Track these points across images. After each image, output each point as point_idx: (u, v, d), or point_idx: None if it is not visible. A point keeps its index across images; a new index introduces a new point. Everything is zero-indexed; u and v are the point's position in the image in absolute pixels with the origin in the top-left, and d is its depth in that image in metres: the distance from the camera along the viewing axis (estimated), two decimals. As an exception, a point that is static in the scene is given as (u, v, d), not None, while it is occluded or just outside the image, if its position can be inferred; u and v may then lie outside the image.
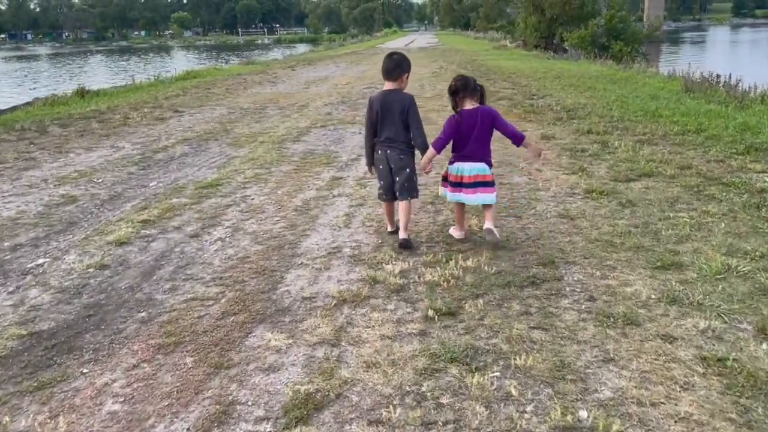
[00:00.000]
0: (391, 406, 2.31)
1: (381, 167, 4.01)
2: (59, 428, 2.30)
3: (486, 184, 3.84)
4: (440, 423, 2.22)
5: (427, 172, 4.04)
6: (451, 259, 3.67)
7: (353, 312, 3.09)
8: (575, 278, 3.39)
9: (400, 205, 4.01)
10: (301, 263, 3.79)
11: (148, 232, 4.47)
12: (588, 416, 2.22)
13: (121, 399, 2.45)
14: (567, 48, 28.66)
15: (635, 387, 2.38)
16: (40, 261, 3.97)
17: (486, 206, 3.90)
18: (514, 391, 2.38)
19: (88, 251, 4.11)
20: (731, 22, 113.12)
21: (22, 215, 4.98)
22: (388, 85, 3.96)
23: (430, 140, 3.93)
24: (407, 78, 3.99)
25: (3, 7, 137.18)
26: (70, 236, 4.46)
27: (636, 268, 3.49)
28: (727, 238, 3.87)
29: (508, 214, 4.53)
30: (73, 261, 3.95)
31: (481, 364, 2.57)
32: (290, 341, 2.83)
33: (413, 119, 3.88)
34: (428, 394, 2.39)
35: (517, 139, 3.92)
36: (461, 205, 4.02)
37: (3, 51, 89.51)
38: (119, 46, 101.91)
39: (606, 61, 20.15)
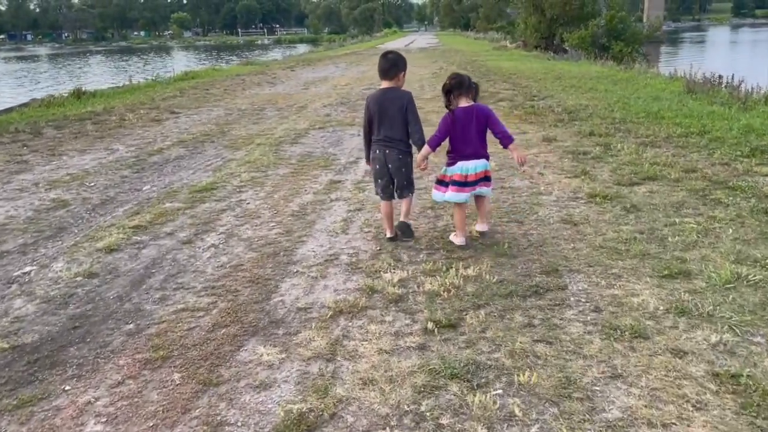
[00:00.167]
0: (388, 428, 2.19)
1: (378, 166, 3.98)
2: (38, 451, 2.18)
3: (488, 179, 3.93)
4: (440, 446, 2.10)
5: (423, 170, 4.01)
6: (451, 268, 3.55)
7: (350, 324, 2.97)
8: (580, 287, 3.27)
9: (403, 202, 4.09)
10: (297, 271, 3.67)
11: (139, 238, 4.35)
12: (596, 439, 2.10)
13: (104, 419, 2.33)
14: (567, 48, 28.56)
15: (645, 406, 2.26)
16: (27, 269, 3.85)
17: (481, 202, 4.01)
18: (517, 411, 2.26)
19: (76, 258, 3.99)
20: (731, 23, 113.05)
21: (11, 220, 4.85)
22: (385, 84, 3.96)
23: (427, 138, 3.90)
24: (404, 76, 3.99)
25: (3, 8, 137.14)
26: (59, 242, 4.33)
27: (642, 276, 3.37)
28: (735, 245, 3.75)
29: (510, 220, 4.41)
30: (61, 269, 3.83)
31: (483, 380, 2.45)
32: (283, 355, 2.71)
33: (412, 116, 3.88)
34: (427, 414, 2.27)
35: (507, 140, 3.88)
36: (462, 211, 3.96)
37: (2, 51, 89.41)
38: (119, 46, 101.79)
39: (607, 61, 20.03)
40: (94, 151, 7.56)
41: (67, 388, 2.55)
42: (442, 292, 3.24)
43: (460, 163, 3.83)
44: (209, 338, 2.90)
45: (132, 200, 5.35)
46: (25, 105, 13.01)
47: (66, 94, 13.69)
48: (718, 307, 2.97)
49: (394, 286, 3.33)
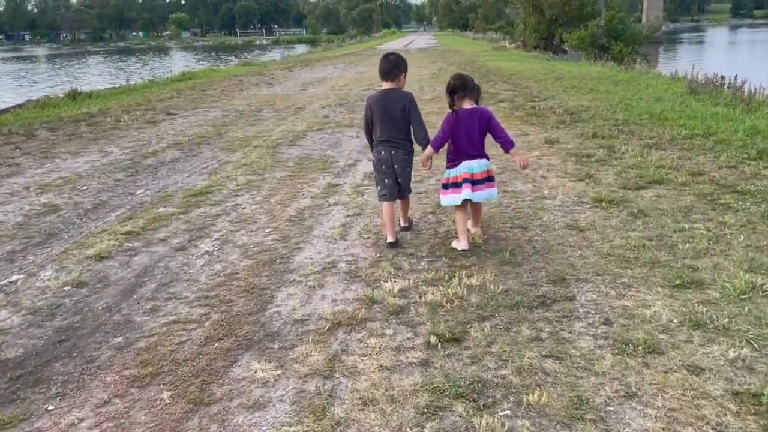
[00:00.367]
0: (389, 453, 2.06)
1: (384, 167, 3.95)
2: (16, 478, 2.04)
3: (491, 178, 3.92)
4: (445, 473, 1.97)
5: (428, 169, 4.06)
6: (454, 276, 3.41)
7: (348, 337, 2.84)
8: (588, 298, 3.14)
9: (401, 203, 4.16)
10: (294, 280, 3.53)
11: (131, 245, 4.21)
12: (612, 465, 1.97)
13: (87, 443, 2.20)
14: (567, 49, 28.44)
15: (662, 429, 2.13)
16: (14, 278, 3.71)
17: (478, 207, 4.05)
18: (527, 434, 2.13)
19: (65, 267, 3.85)
20: (729, 23, 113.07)
21: (0, 226, 4.71)
22: (386, 85, 3.97)
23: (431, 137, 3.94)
24: (404, 78, 4.00)
25: (1, 8, 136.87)
26: (48, 249, 4.19)
27: (653, 286, 3.24)
28: (748, 252, 3.62)
29: (514, 225, 4.28)
30: (49, 278, 3.69)
31: (490, 400, 2.32)
32: (279, 372, 2.58)
33: (415, 116, 3.91)
34: (431, 437, 2.13)
35: (509, 144, 3.88)
36: (463, 215, 3.90)
37: (0, 52, 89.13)
38: (117, 47, 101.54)
39: (607, 62, 19.91)
40: (87, 153, 7.42)
41: (51, 407, 2.41)
42: (444, 303, 3.10)
43: (465, 163, 3.82)
44: (201, 353, 2.76)
45: (125, 205, 5.21)
46: (19, 106, 12.85)
47: (62, 95, 13.54)
48: (734, 320, 2.84)
49: (394, 297, 3.19)
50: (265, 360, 2.67)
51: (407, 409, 2.27)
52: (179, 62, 47.58)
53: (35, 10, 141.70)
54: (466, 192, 3.80)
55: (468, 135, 3.80)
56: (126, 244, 4.22)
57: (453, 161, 3.87)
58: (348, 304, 3.17)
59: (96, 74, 37.37)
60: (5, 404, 2.45)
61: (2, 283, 3.64)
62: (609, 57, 22.44)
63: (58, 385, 2.57)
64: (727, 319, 2.84)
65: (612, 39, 25.87)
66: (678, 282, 3.25)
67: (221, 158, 6.97)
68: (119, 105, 11.84)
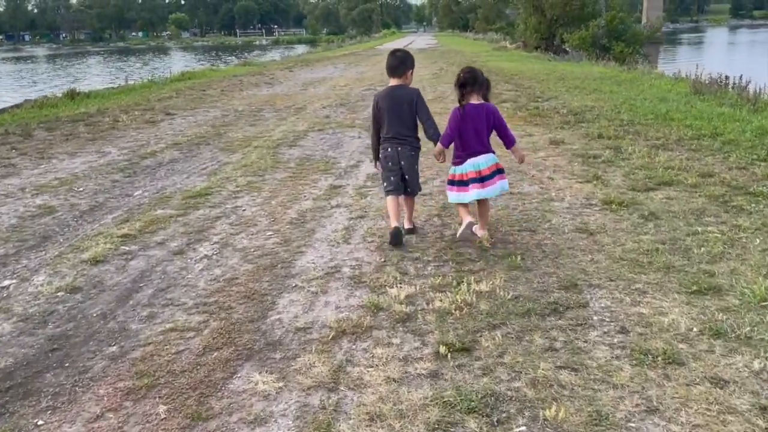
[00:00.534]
0: (399, 474, 1.94)
1: (390, 164, 3.98)
2: (1, 500, 1.92)
3: (502, 171, 3.89)
4: (459, 496, 1.84)
5: (442, 162, 4.06)
6: (462, 282, 3.29)
7: (353, 347, 2.71)
8: (602, 305, 3.02)
9: (406, 200, 4.11)
10: (296, 286, 3.41)
11: (127, 248, 4.08)
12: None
13: (78, 462, 2.07)
14: (568, 49, 28.34)
15: (688, 447, 2.01)
16: (6, 283, 3.59)
17: (484, 205, 3.95)
18: (544, 452, 2.01)
19: (59, 271, 3.73)
20: (729, 24, 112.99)
21: (-7, 228, 4.59)
22: (393, 82, 4.00)
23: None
24: (411, 74, 4.05)
25: (1, 9, 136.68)
26: (43, 253, 4.07)
27: (669, 292, 3.12)
28: (765, 257, 3.50)
29: (522, 228, 4.16)
30: (42, 283, 3.57)
31: (504, 415, 2.19)
32: (281, 384, 2.45)
33: (422, 111, 3.93)
34: (443, 456, 2.01)
35: (510, 142, 3.96)
36: (466, 208, 3.90)
37: (0, 52, 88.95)
38: (117, 47, 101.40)
39: (608, 62, 19.80)
40: (85, 154, 7.29)
41: (40, 422, 2.29)
42: (453, 310, 2.98)
43: (470, 161, 3.80)
44: (199, 363, 2.64)
45: (122, 206, 5.08)
46: (17, 106, 12.73)
47: (60, 95, 13.41)
48: (755, 329, 2.72)
49: (401, 303, 3.07)
50: (267, 371, 2.55)
51: (417, 425, 2.15)
52: (179, 62, 47.45)
53: (35, 11, 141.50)
54: (474, 192, 3.80)
55: (475, 130, 3.80)
56: (122, 247, 4.10)
57: (459, 158, 3.87)
58: (352, 312, 3.05)
59: (96, 74, 37.25)
60: (-7, 418, 2.33)
61: (-6, 288, 3.52)
62: (610, 57, 22.33)
63: (49, 397, 2.45)
64: (748, 328, 2.72)
65: (613, 39, 25.78)
66: (695, 288, 3.13)
67: (221, 159, 6.84)
68: (118, 105, 11.72)
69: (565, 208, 4.56)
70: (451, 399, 2.28)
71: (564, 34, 29.16)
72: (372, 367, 2.54)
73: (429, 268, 3.55)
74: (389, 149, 3.97)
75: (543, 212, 4.48)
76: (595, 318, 2.89)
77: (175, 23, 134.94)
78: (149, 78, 18.36)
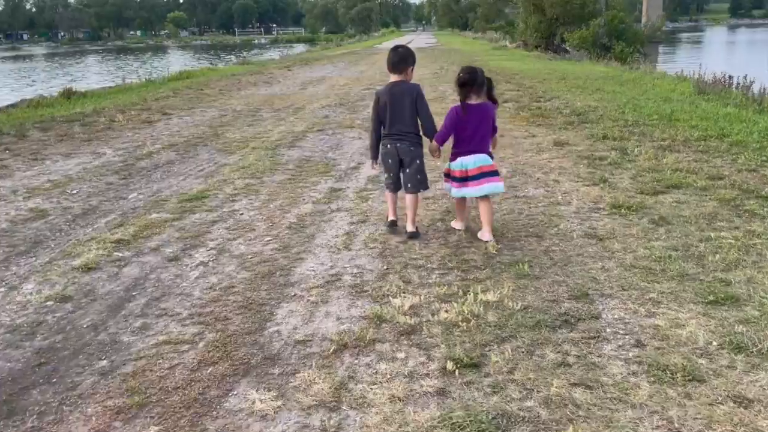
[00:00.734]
0: (406, 505, 1.81)
1: (390, 161, 4.04)
2: None
3: (492, 173, 3.88)
4: None
5: (437, 158, 4.17)
6: (468, 292, 3.16)
7: (356, 361, 2.58)
8: (615, 316, 2.89)
9: (408, 199, 4.03)
10: (295, 295, 3.27)
11: (121, 254, 3.95)
12: None
13: (62, 490, 1.94)
14: (568, 49, 28.23)
15: (715, 474, 1.88)
16: (-7, 291, 3.45)
17: (485, 207, 3.92)
18: (561, 480, 1.88)
19: (49, 279, 3.59)
20: (728, 23, 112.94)
21: (-17, 233, 4.45)
22: (394, 78, 4.00)
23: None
24: (412, 71, 4.05)
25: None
26: (33, 259, 3.93)
27: (684, 302, 2.99)
28: (782, 264, 3.37)
29: (528, 234, 4.03)
30: (31, 291, 3.43)
31: (517, 439, 2.06)
32: (279, 403, 2.32)
33: (422, 108, 3.96)
34: (453, 484, 1.88)
35: (493, 131, 4.08)
36: (462, 203, 4.08)
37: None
38: (115, 45, 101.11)
39: (610, 62, 19.68)
40: (79, 155, 7.15)
41: (23, 445, 2.16)
42: (460, 322, 2.85)
43: (459, 159, 3.88)
44: (193, 379, 2.50)
45: (116, 210, 4.95)
46: (12, 106, 12.57)
47: (56, 95, 13.26)
48: (778, 342, 2.59)
49: (405, 315, 2.94)
50: (264, 388, 2.42)
51: (424, 450, 2.02)
52: (177, 61, 47.26)
53: (33, 9, 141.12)
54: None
55: (471, 129, 3.84)
56: (115, 253, 3.96)
57: (453, 154, 3.95)
58: (354, 323, 2.92)
59: (96, 72, 37.09)
60: (-26, 440, 2.20)
61: (-20, 297, 3.38)
62: (611, 57, 22.22)
63: (34, 417, 2.31)
64: (770, 342, 2.59)
65: (614, 39, 25.66)
66: (711, 298, 3.00)
67: (218, 160, 6.71)
68: (114, 104, 11.56)
69: (573, 213, 4.43)
70: (459, 420, 2.14)
71: (564, 34, 29.05)
72: (375, 384, 2.40)
73: (433, 276, 3.42)
74: (389, 146, 4.01)
75: (550, 217, 4.35)
76: (608, 330, 2.76)
77: (174, 22, 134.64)
78: (147, 77, 18.20)
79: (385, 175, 4.18)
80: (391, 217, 4.18)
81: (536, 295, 3.13)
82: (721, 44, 53.20)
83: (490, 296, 3.09)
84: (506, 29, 42.34)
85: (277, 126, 8.86)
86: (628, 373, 2.42)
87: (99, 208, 5.03)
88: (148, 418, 2.27)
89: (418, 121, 3.98)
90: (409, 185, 4.01)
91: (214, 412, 2.28)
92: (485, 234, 3.89)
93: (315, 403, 2.30)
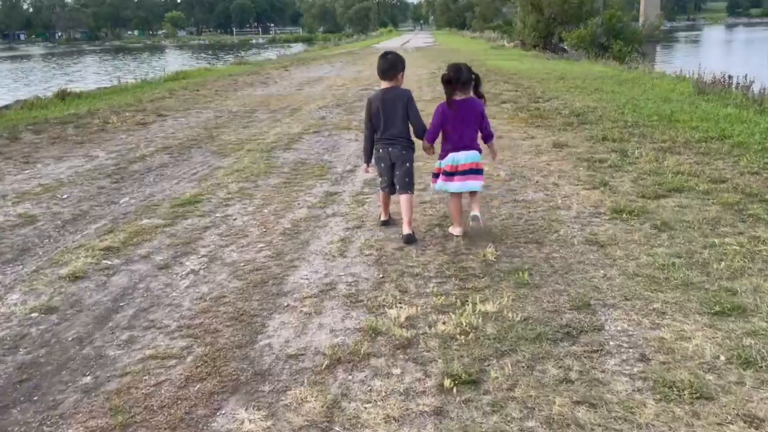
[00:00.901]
0: None
1: (383, 165, 4.13)
2: None
3: (478, 171, 3.97)
4: None
5: (432, 153, 4.19)
6: (466, 302, 3.06)
7: (350, 377, 2.48)
8: (618, 328, 2.79)
9: (402, 201, 4.08)
10: (288, 305, 3.17)
11: (109, 262, 3.84)
12: None
13: None
14: (566, 48, 28.15)
15: (727, 502, 1.78)
16: (-23, 302, 3.34)
17: (472, 194, 4.03)
18: None
19: (35, 289, 3.48)
20: (726, 22, 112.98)
21: (-31, 240, 4.34)
22: (385, 84, 4.08)
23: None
24: (402, 77, 4.11)
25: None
26: (20, 267, 3.83)
27: (690, 313, 2.89)
28: (789, 272, 3.28)
29: (528, 240, 3.93)
30: (16, 302, 3.33)
31: (518, 463, 1.96)
32: (269, 423, 2.22)
33: (413, 112, 4.05)
34: None
35: (488, 137, 4.08)
36: (457, 201, 4.05)
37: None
38: (113, 45, 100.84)
39: (609, 61, 19.59)
40: (71, 157, 7.03)
41: (0, 470, 2.06)
42: (458, 335, 2.75)
43: (451, 155, 3.94)
44: (180, 397, 2.40)
45: (107, 215, 4.84)
46: (6, 107, 12.44)
47: (50, 96, 13.13)
48: (788, 356, 2.49)
49: (401, 327, 2.84)
50: (254, 406, 2.32)
51: (420, 475, 1.92)
52: (175, 61, 47.14)
53: (30, 10, 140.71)
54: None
55: (459, 126, 3.91)
56: (104, 261, 3.85)
57: (443, 151, 4.00)
58: (348, 336, 2.82)
59: (93, 72, 36.94)
60: (-52, 464, 2.10)
61: (-37, 308, 3.27)
62: (609, 56, 22.14)
63: (13, 439, 2.21)
64: (780, 356, 2.49)
65: (612, 38, 25.59)
66: (717, 308, 2.90)
67: (212, 163, 6.60)
68: (109, 106, 11.44)
69: (573, 218, 4.34)
70: (458, 442, 2.05)
71: (562, 33, 28.98)
72: (370, 402, 2.31)
73: (430, 286, 3.32)
74: (381, 150, 4.10)
75: (549, 222, 4.26)
76: (611, 343, 2.66)
77: (171, 21, 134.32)
78: (144, 78, 18.06)
79: (381, 179, 4.25)
80: (383, 217, 4.33)
81: (537, 305, 3.03)
82: (719, 43, 53.20)
83: (489, 307, 2.99)
84: (504, 29, 42.28)
85: (273, 127, 8.75)
86: (633, 390, 2.32)
87: (89, 213, 4.92)
88: (131, 439, 2.16)
89: (409, 126, 4.08)
90: (398, 186, 4.11)
91: (201, 434, 2.18)
92: (474, 212, 3.99)
93: (306, 423, 2.21)
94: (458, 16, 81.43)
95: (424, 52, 30.10)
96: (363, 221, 4.47)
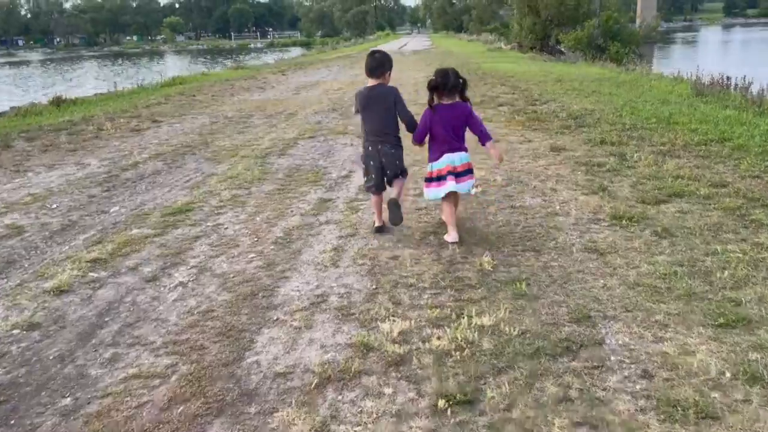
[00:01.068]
0: None
1: (372, 163, 4.12)
2: None
3: (471, 170, 4.04)
4: None
5: (421, 146, 4.21)
6: (462, 314, 2.96)
7: (339, 398, 2.38)
8: (620, 341, 2.69)
9: (395, 183, 4.18)
10: (277, 319, 3.07)
11: (96, 275, 3.74)
12: None
13: None
14: (563, 50, 28.09)
15: None
16: (-43, 318, 3.24)
17: (456, 202, 4.10)
18: None
19: (18, 304, 3.38)
20: (722, 22, 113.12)
21: (-46, 253, 4.24)
22: (371, 82, 4.09)
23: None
24: (389, 75, 4.14)
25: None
26: (4, 281, 3.72)
27: (693, 325, 2.80)
28: (794, 281, 3.18)
29: (526, 248, 3.83)
30: (-2, 318, 3.22)
31: (515, 490, 1.86)
32: (254, 447, 2.12)
33: (401, 107, 4.08)
34: None
35: (486, 138, 4.04)
36: (450, 207, 4.01)
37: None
38: (111, 51, 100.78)
39: (606, 63, 19.52)
40: (63, 165, 6.94)
41: (-31, 501, 1.95)
42: (453, 351, 2.65)
43: (446, 156, 3.95)
44: (162, 420, 2.30)
45: (96, 225, 4.74)
46: (0, 114, 12.35)
47: (46, 102, 13.04)
48: (796, 371, 2.39)
49: (394, 342, 2.74)
50: (239, 430, 2.22)
51: (412, 506, 1.82)
52: (174, 65, 47.08)
53: (28, 15, 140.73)
54: (450, 184, 3.92)
55: (447, 129, 3.93)
56: (90, 274, 3.75)
57: (435, 154, 4.01)
58: (339, 352, 2.72)
59: (92, 77, 36.87)
60: None
61: (-58, 325, 3.17)
62: (606, 57, 22.08)
63: (-15, 467, 2.11)
64: (787, 370, 2.39)
65: (609, 39, 25.54)
66: (721, 320, 2.81)
67: (206, 170, 6.50)
68: (104, 112, 11.34)
69: (572, 224, 4.24)
70: (451, 468, 1.95)
71: (559, 35, 28.92)
72: (360, 425, 2.20)
73: (425, 297, 3.22)
74: (370, 148, 4.11)
75: (548, 229, 4.16)
76: (612, 359, 2.56)
77: (170, 27, 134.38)
78: (141, 83, 17.95)
79: (366, 178, 4.23)
80: (377, 223, 4.26)
81: (535, 317, 2.93)
82: (716, 44, 53.20)
83: (486, 320, 2.89)
84: (501, 31, 42.22)
85: (268, 133, 8.66)
86: (636, 410, 2.22)
87: (78, 223, 4.82)
88: (109, 467, 2.06)
89: (398, 123, 4.11)
90: (391, 183, 4.18)
91: (183, 460, 2.08)
92: (450, 236, 4.00)
93: (293, 447, 2.10)
94: (455, 19, 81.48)
95: (422, 55, 30.05)
96: (357, 229, 4.37)
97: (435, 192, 4.02)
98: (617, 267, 3.48)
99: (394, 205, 4.03)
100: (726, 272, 3.32)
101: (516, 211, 4.58)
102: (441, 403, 2.28)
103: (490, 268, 3.53)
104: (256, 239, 4.26)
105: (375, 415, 2.25)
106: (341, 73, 19.72)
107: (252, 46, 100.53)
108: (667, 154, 6.18)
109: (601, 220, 4.31)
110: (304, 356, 2.70)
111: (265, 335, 2.91)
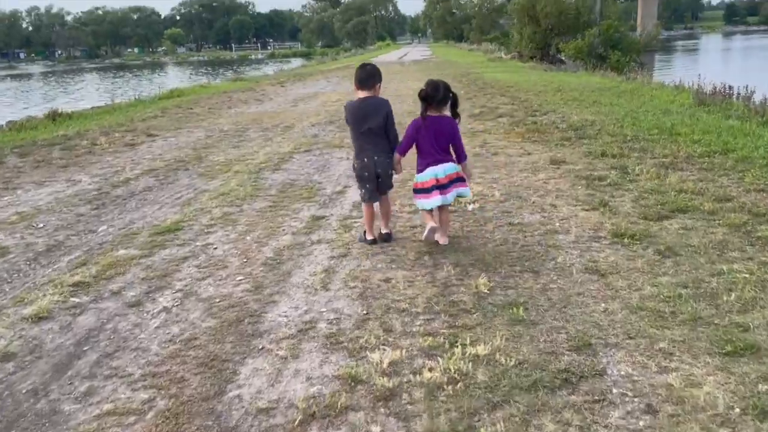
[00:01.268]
0: None
1: (367, 174, 4.14)
2: None
3: (460, 179, 4.04)
4: None
5: (399, 173, 4.32)
6: (456, 343, 2.82)
7: (324, 437, 2.24)
8: (622, 372, 2.55)
9: (382, 201, 4.27)
10: (262, 348, 2.93)
11: (77, 300, 3.60)
12: None
13: None
14: (564, 59, 28.05)
15: None
16: (-71, 348, 3.10)
17: (445, 215, 4.17)
18: None
19: (-6, 332, 3.25)
20: (723, 30, 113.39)
21: (-67, 276, 4.11)
22: (362, 94, 4.11)
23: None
24: (379, 87, 4.19)
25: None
26: (-18, 307, 3.59)
27: (699, 354, 2.65)
28: (804, 303, 3.04)
29: (523, 269, 3.69)
30: (-29, 348, 3.08)
31: None
32: (230, 495, 1.97)
33: (391, 124, 4.13)
34: None
35: (461, 157, 4.12)
36: (429, 214, 4.03)
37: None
38: (112, 63, 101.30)
39: (607, 72, 19.43)
40: (53, 182, 6.82)
41: None
42: (445, 384, 2.50)
43: (429, 169, 3.98)
44: (135, 463, 2.16)
45: (82, 246, 4.61)
46: (-4, 128, 12.27)
47: (42, 116, 12.96)
48: (810, 405, 2.25)
49: (383, 375, 2.60)
50: (215, 475, 2.07)
51: None
52: (175, 77, 47.21)
53: (30, 28, 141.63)
54: (435, 199, 3.96)
55: (432, 141, 3.96)
56: (72, 299, 3.62)
57: (420, 167, 4.05)
58: (326, 385, 2.57)
59: (93, 90, 36.95)
60: None
61: None
62: (607, 67, 22.00)
63: None
64: (801, 405, 2.25)
65: (609, 48, 25.47)
66: (729, 348, 2.66)
67: (198, 186, 6.38)
68: (99, 126, 11.26)
69: (571, 242, 4.10)
70: None
71: (559, 44, 28.89)
72: (344, 469, 2.06)
73: (417, 323, 3.08)
74: (365, 160, 4.12)
75: (547, 248, 4.02)
76: (614, 391, 2.41)
77: (171, 39, 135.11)
78: (139, 95, 17.90)
79: (362, 191, 4.25)
80: (368, 237, 4.27)
81: (532, 345, 2.79)
82: (717, 52, 53.26)
83: (481, 349, 2.75)
84: (501, 40, 42.25)
85: (263, 147, 8.55)
86: (640, 450, 2.07)
87: (64, 243, 4.69)
88: None
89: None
90: (382, 191, 4.24)
91: None
92: (441, 238, 4.10)
93: (272, 496, 1.96)
94: (455, 28, 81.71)
95: (421, 65, 30.04)
96: (349, 248, 4.24)
97: (423, 203, 4.06)
98: (619, 289, 3.33)
99: (388, 237, 4.28)
100: (733, 294, 3.17)
101: (514, 229, 4.44)
102: (431, 444, 2.13)
103: (486, 291, 3.39)
104: (245, 260, 4.12)
105: (360, 459, 2.10)
106: (340, 85, 19.66)
107: (253, 57, 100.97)
108: (669, 166, 6.05)
109: (602, 237, 4.17)
110: (289, 389, 2.56)
111: (249, 366, 2.77)
